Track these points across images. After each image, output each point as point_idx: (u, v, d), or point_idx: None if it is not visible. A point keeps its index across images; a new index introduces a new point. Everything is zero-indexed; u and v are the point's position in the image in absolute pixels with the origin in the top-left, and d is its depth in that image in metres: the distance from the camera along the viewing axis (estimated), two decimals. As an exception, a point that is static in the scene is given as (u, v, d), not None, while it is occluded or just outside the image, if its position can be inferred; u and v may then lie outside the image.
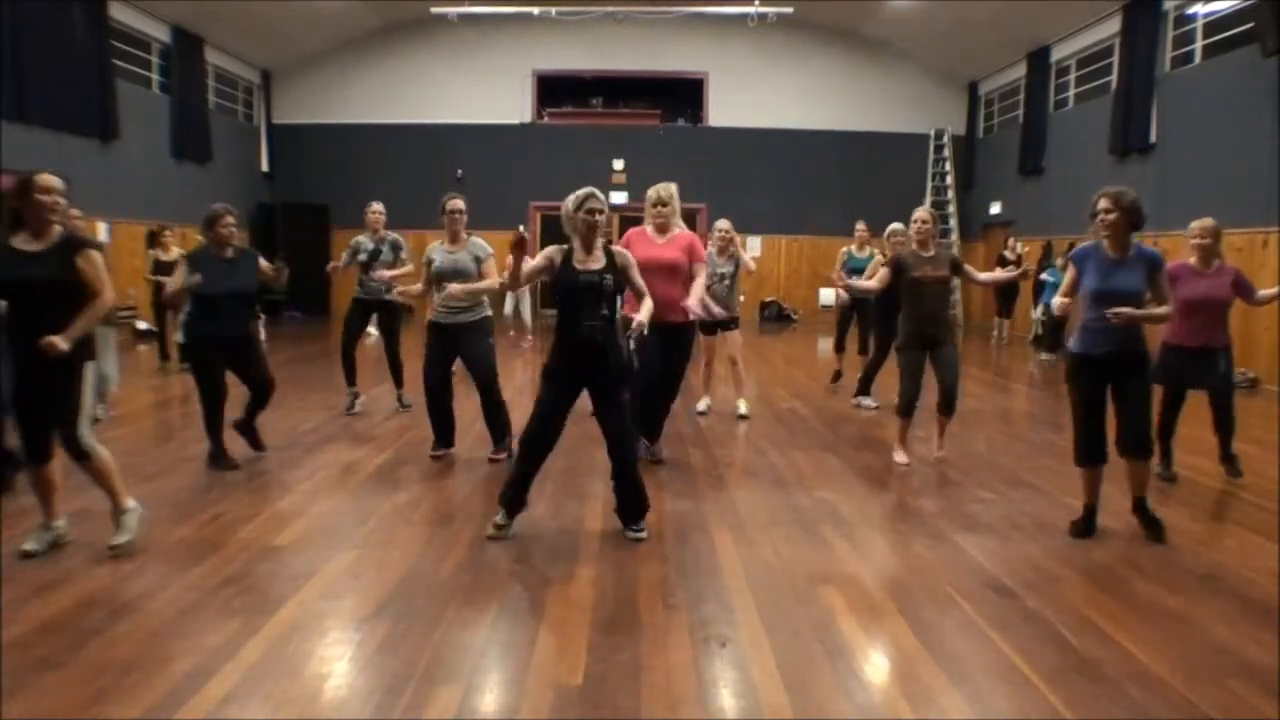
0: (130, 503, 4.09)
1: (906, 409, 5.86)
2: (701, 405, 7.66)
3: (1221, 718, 2.70)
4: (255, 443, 5.82)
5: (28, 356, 3.72)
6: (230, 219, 5.53)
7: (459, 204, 5.78)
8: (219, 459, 5.54)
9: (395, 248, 7.39)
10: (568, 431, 4.45)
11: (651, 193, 5.74)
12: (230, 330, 5.46)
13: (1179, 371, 5.44)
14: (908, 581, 3.83)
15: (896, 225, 7.61)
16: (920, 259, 5.79)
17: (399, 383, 7.62)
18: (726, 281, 7.37)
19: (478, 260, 5.72)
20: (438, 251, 5.76)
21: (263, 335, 6.00)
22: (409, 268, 7.33)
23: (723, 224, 7.62)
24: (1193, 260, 5.43)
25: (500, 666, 3.01)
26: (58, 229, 3.85)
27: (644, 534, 4.28)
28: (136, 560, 3.86)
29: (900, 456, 5.93)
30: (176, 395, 8.39)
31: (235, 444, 5.68)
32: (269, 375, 5.72)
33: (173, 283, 5.51)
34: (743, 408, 7.50)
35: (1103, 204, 4.21)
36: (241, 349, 5.56)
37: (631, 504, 4.31)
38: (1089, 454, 4.41)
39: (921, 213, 5.99)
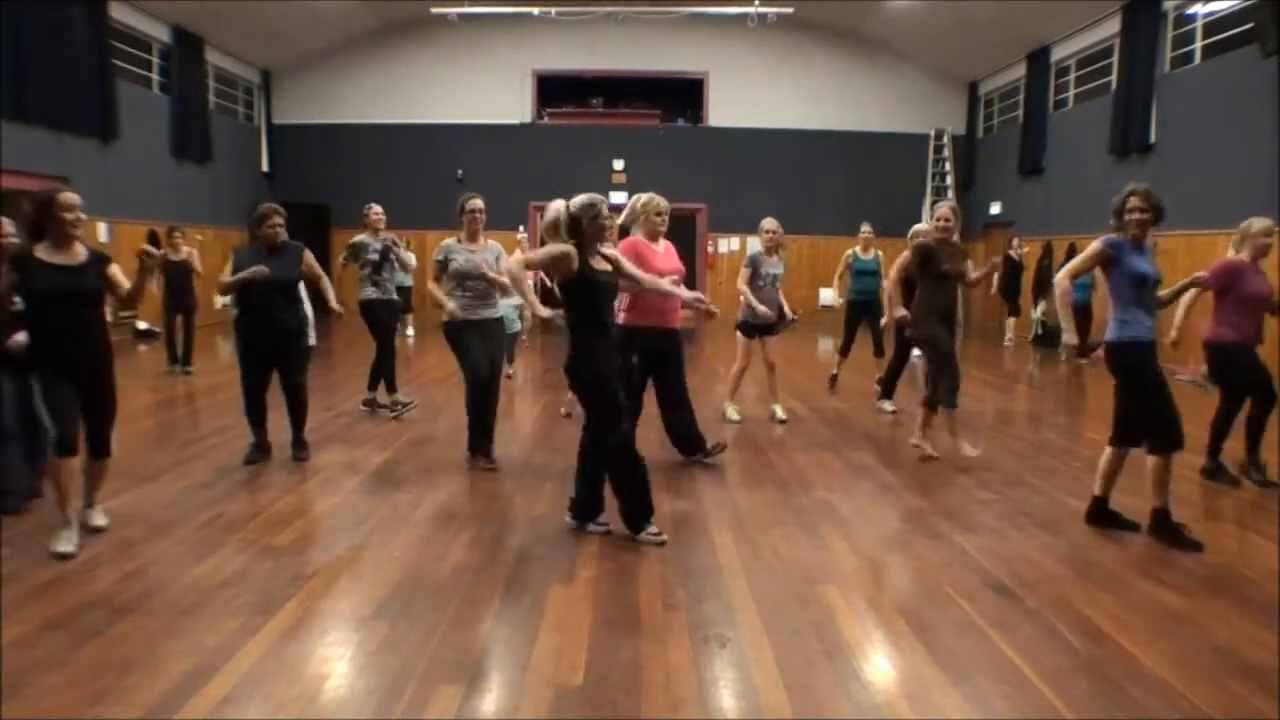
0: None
1: (952, 398, 5.84)
2: (734, 414, 7.33)
3: (1221, 718, 2.70)
4: (301, 453, 5.80)
5: (75, 360, 4.03)
6: (278, 218, 5.63)
7: (480, 203, 5.76)
8: (255, 450, 5.64)
9: (397, 244, 7.41)
10: (566, 432, 4.48)
11: (659, 201, 5.71)
12: (277, 321, 5.52)
13: (1247, 369, 5.37)
14: (908, 581, 3.83)
15: (921, 225, 7.63)
16: (946, 253, 5.86)
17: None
18: (776, 285, 7.12)
19: (496, 259, 5.74)
20: (458, 250, 5.67)
21: (313, 337, 6.01)
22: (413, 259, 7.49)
23: (770, 223, 7.25)
24: (1245, 256, 5.34)
25: (500, 666, 3.01)
26: (80, 245, 4.10)
27: (662, 537, 4.27)
28: (136, 560, 3.87)
29: (930, 448, 5.95)
30: (176, 396, 8.40)
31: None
32: (304, 385, 5.77)
33: (225, 274, 5.60)
34: (780, 412, 7.34)
35: (1135, 202, 4.30)
36: (288, 345, 5.62)
37: (640, 504, 4.26)
38: (1176, 439, 4.31)
39: (945, 209, 5.98)
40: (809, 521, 4.63)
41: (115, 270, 4.22)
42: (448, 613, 3.38)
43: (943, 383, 5.82)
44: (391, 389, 7.46)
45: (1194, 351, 6.55)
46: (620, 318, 5.59)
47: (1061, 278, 4.50)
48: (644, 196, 5.67)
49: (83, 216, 4.08)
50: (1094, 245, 4.37)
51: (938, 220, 5.95)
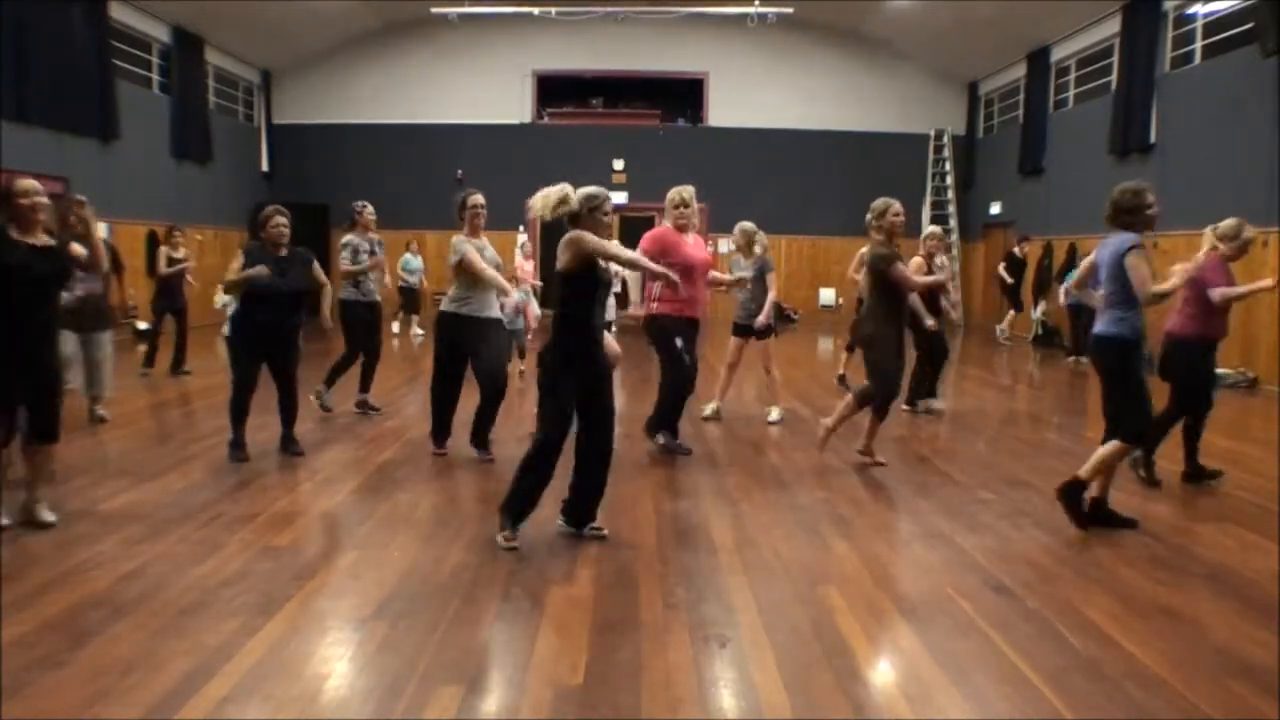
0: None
1: (884, 410, 5.78)
2: (708, 409, 7.37)
3: (1221, 718, 2.70)
4: (296, 448, 5.87)
5: (33, 342, 4.10)
6: (281, 219, 5.68)
7: (482, 199, 5.80)
8: (238, 448, 5.67)
9: (379, 247, 7.32)
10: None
11: (675, 194, 5.82)
12: (278, 326, 5.64)
13: (1202, 368, 5.33)
14: (908, 581, 3.83)
15: (934, 228, 7.66)
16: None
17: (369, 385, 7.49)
18: (748, 286, 7.04)
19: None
20: (471, 247, 5.67)
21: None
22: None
23: (747, 226, 7.27)
24: (1227, 253, 5.28)
25: (500, 666, 3.01)
26: (43, 233, 4.18)
27: (605, 531, 4.29)
28: (136, 560, 3.86)
29: (877, 455, 5.86)
30: (175, 396, 8.39)
31: (252, 436, 5.69)
32: (296, 378, 5.88)
33: (232, 271, 5.63)
34: (774, 414, 7.31)
35: (1153, 198, 4.35)
36: (285, 345, 5.74)
37: (596, 502, 4.31)
38: (1146, 433, 4.50)
39: (899, 206, 5.70)
40: (809, 521, 4.63)
41: (75, 246, 4.42)
42: (448, 613, 3.38)
43: (879, 387, 5.66)
44: (331, 384, 7.28)
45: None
46: (652, 308, 5.71)
47: (1152, 288, 4.26)
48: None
49: (42, 201, 4.13)
50: (1140, 253, 4.26)
51: (898, 217, 5.64)
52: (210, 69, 15.83)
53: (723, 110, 18.29)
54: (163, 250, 9.47)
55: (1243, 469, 5.76)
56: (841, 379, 8.99)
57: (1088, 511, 4.55)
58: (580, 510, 4.30)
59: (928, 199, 18.05)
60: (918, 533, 4.49)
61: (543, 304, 9.84)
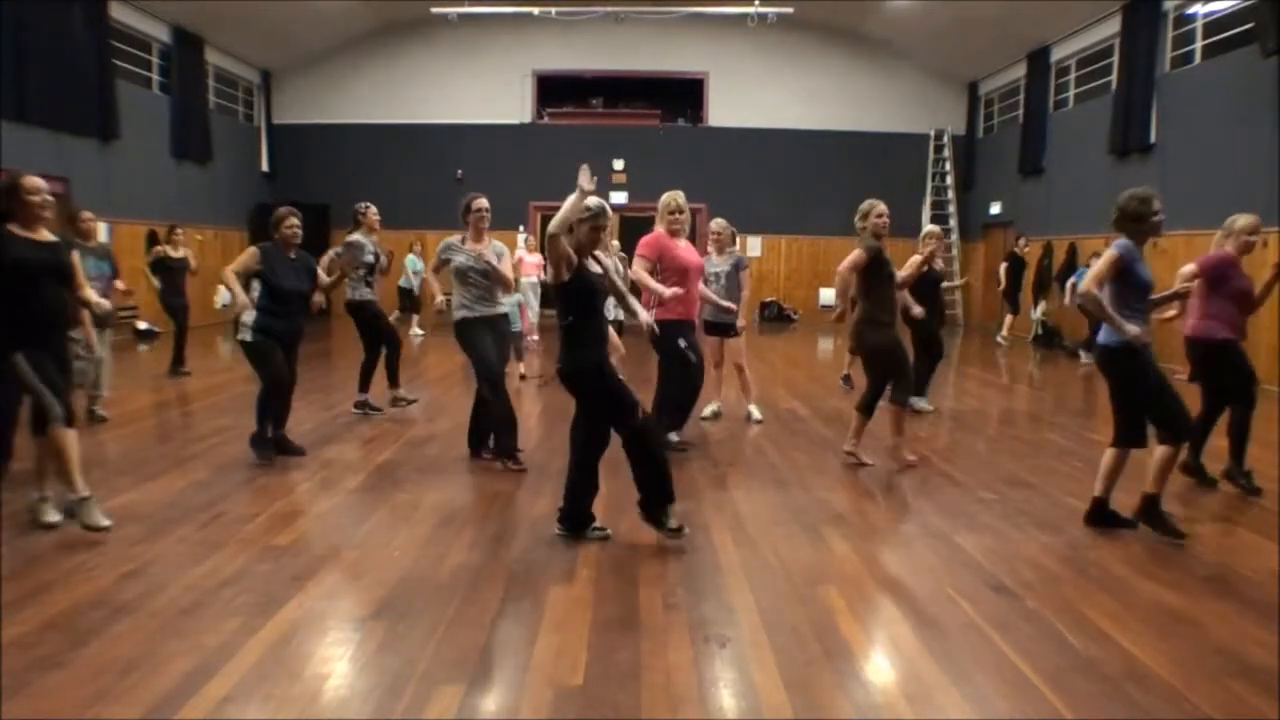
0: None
1: (905, 397, 5.81)
2: (710, 409, 7.38)
3: (1221, 718, 2.70)
4: (295, 448, 5.88)
5: (55, 332, 4.19)
6: (295, 220, 5.78)
7: (486, 203, 5.78)
8: (266, 446, 5.64)
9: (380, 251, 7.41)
10: (561, 430, 4.51)
11: (670, 200, 5.89)
12: (296, 325, 5.79)
13: (1235, 367, 5.28)
14: (908, 581, 3.83)
15: (933, 227, 7.68)
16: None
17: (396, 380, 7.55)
18: (722, 282, 7.06)
19: (499, 258, 5.74)
20: (459, 251, 5.66)
21: None
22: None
23: (714, 224, 7.37)
24: (1231, 251, 5.26)
25: (500, 666, 3.01)
26: (46, 229, 4.21)
27: (683, 529, 4.19)
28: (136, 560, 3.87)
29: (865, 455, 5.83)
30: (176, 396, 8.39)
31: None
32: (295, 380, 5.95)
33: (239, 265, 5.66)
34: (756, 413, 7.31)
35: (1159, 205, 4.34)
36: (294, 345, 5.86)
37: (663, 488, 4.17)
38: (1185, 429, 4.42)
39: (884, 207, 5.75)
40: (809, 521, 4.63)
41: (76, 257, 4.41)
42: (448, 613, 3.38)
43: (900, 386, 5.67)
44: (395, 383, 7.42)
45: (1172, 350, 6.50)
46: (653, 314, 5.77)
47: (1091, 288, 4.28)
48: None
49: (49, 199, 4.17)
50: (1112, 253, 4.29)
51: (881, 218, 5.66)
52: (210, 69, 15.83)
53: (723, 110, 18.29)
54: (158, 249, 9.45)
55: (1227, 475, 5.74)
56: (846, 379, 8.98)
57: (1089, 511, 4.55)
58: (578, 513, 4.29)
59: (928, 199, 18.06)
60: (918, 533, 4.49)
61: (545, 303, 9.82)
